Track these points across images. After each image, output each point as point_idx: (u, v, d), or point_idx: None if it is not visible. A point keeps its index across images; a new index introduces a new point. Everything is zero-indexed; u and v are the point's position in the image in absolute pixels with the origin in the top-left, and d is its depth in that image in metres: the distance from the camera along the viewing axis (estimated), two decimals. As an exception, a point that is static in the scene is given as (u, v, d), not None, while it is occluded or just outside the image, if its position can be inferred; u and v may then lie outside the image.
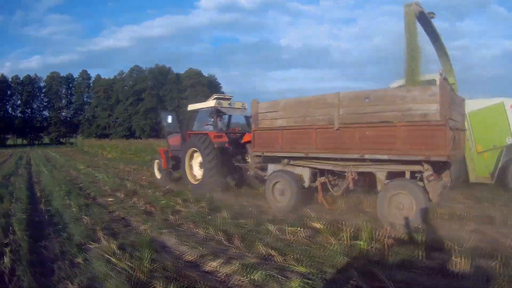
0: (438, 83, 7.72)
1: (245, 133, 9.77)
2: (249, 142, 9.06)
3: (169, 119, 11.06)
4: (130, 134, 58.46)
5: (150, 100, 60.66)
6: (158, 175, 11.71)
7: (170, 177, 11.31)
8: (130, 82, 64.09)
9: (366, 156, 5.64)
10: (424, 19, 7.59)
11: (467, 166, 8.07)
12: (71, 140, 67.25)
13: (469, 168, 8.06)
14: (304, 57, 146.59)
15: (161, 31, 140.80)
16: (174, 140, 11.18)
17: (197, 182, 9.45)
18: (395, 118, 5.34)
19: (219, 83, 69.62)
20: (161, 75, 63.48)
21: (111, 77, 67.46)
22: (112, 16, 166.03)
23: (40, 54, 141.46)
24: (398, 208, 5.38)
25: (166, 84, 62.92)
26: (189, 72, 65.77)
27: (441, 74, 8.21)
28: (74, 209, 7.00)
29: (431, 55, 8.15)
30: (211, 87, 62.03)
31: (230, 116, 10.89)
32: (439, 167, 5.62)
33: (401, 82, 8.07)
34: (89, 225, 5.84)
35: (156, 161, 11.87)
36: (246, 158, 9.54)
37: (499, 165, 7.74)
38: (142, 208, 7.24)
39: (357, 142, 5.71)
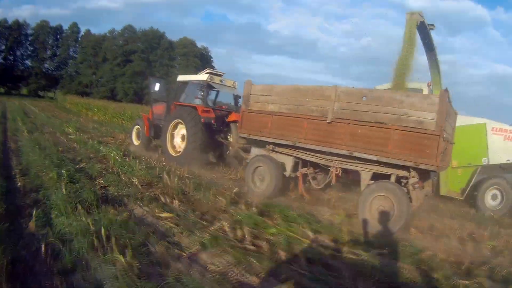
0: (424, 92, 7.86)
1: (231, 111, 9.61)
2: (234, 121, 8.99)
3: (157, 86, 10.66)
4: (112, 96, 55.94)
5: (139, 63, 58.08)
6: (136, 141, 11.27)
7: (148, 145, 10.95)
8: (121, 42, 61.05)
9: (355, 154, 5.56)
10: (424, 29, 7.58)
11: (439, 179, 8.17)
12: (50, 94, 63.62)
13: (442, 181, 8.17)
14: (291, 46, 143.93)
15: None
16: (158, 108, 10.82)
17: (176, 154, 9.24)
18: (390, 120, 5.29)
19: (211, 57, 67.41)
20: (154, 39, 60.74)
21: (102, 34, 63.99)
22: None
23: (32, 3, 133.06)
24: (379, 210, 5.33)
25: (157, 49, 60.30)
26: (183, 40, 63.03)
27: (429, 86, 8.25)
28: (116, 259, 3.21)
29: (420, 65, 8.13)
30: (203, 59, 60.32)
31: (217, 92, 10.66)
32: (425, 176, 5.62)
33: (389, 85, 8.01)
34: None
35: (137, 126, 11.40)
36: (228, 137, 9.40)
37: (471, 183, 7.90)
38: (252, 247, 4.01)
39: (348, 138, 5.63)
